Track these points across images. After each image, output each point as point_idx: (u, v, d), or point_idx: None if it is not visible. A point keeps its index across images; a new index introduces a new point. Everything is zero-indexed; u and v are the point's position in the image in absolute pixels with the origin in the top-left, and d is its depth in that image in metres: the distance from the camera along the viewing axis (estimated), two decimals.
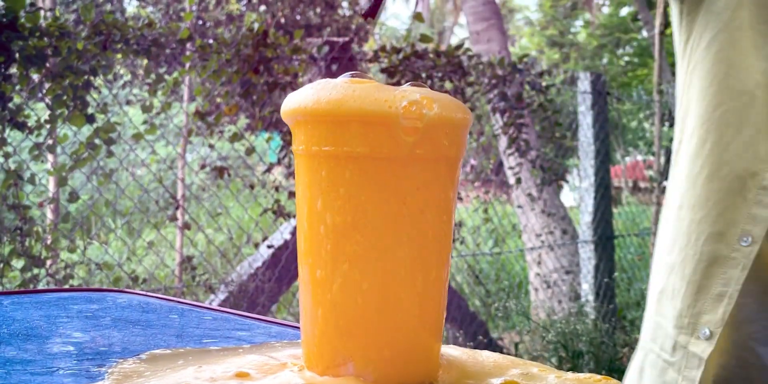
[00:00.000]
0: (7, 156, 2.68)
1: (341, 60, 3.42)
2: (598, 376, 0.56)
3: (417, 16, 3.85)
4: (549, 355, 4.01)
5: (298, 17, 5.36)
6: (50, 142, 2.85)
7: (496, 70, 3.97)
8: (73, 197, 2.85)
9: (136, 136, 3.09)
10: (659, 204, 4.84)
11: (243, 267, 3.50)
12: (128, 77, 3.90)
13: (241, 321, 0.82)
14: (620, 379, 1.00)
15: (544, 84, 4.19)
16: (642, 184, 9.53)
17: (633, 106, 9.54)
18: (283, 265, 3.41)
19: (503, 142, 4.36)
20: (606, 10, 16.62)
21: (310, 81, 2.72)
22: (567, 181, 5.34)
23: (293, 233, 3.46)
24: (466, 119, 0.54)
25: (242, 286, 3.34)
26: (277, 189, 3.38)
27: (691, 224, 0.98)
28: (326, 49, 3.41)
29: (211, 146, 3.30)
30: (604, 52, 14.74)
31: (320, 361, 0.54)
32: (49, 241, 2.83)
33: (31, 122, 2.72)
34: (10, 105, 2.63)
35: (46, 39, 2.63)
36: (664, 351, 1.01)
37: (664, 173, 5.07)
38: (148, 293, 0.95)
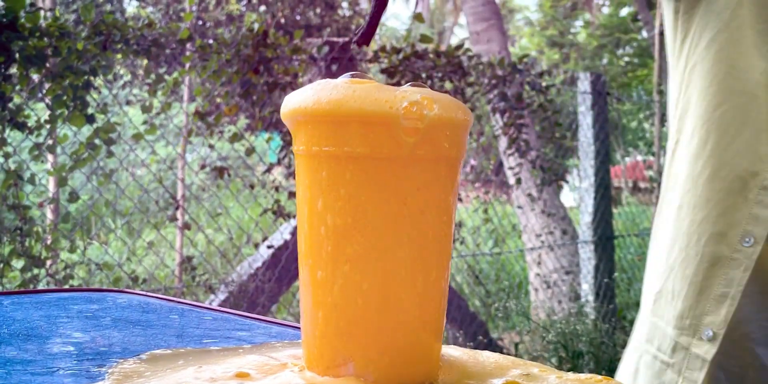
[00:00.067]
0: (7, 156, 2.68)
1: (341, 60, 3.42)
2: (599, 377, 0.56)
3: (417, 17, 3.85)
4: (549, 355, 4.01)
5: (298, 17, 5.36)
6: (50, 142, 2.85)
7: (496, 71, 3.97)
8: (73, 197, 2.85)
9: (136, 137, 3.09)
10: None
11: (243, 267, 3.50)
12: (128, 77, 3.90)
13: (241, 321, 0.82)
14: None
15: (544, 84, 4.19)
16: (642, 185, 9.53)
17: (633, 107, 9.55)
18: (283, 266, 3.41)
19: (503, 142, 4.36)
20: (606, 10, 16.62)
21: (310, 81, 2.71)
22: (567, 182, 5.34)
23: (293, 233, 3.46)
24: (466, 120, 0.54)
25: (242, 287, 3.34)
26: (277, 189, 3.38)
27: (692, 225, 0.97)
28: (326, 49, 3.41)
29: (211, 146, 3.30)
30: (604, 53, 14.75)
31: (321, 361, 0.54)
32: (49, 242, 2.83)
33: (31, 122, 2.72)
34: (10, 105, 2.63)
35: (46, 39, 2.63)
36: (662, 352, 1.00)
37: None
38: (148, 293, 0.95)
